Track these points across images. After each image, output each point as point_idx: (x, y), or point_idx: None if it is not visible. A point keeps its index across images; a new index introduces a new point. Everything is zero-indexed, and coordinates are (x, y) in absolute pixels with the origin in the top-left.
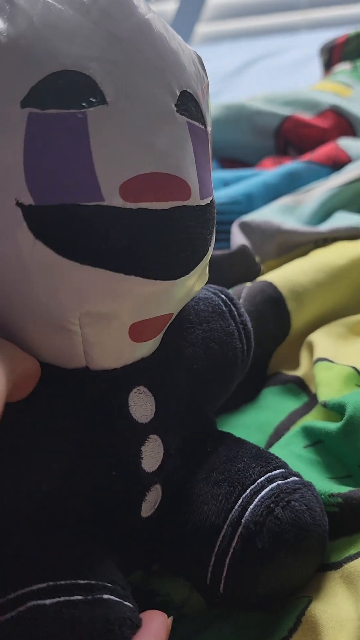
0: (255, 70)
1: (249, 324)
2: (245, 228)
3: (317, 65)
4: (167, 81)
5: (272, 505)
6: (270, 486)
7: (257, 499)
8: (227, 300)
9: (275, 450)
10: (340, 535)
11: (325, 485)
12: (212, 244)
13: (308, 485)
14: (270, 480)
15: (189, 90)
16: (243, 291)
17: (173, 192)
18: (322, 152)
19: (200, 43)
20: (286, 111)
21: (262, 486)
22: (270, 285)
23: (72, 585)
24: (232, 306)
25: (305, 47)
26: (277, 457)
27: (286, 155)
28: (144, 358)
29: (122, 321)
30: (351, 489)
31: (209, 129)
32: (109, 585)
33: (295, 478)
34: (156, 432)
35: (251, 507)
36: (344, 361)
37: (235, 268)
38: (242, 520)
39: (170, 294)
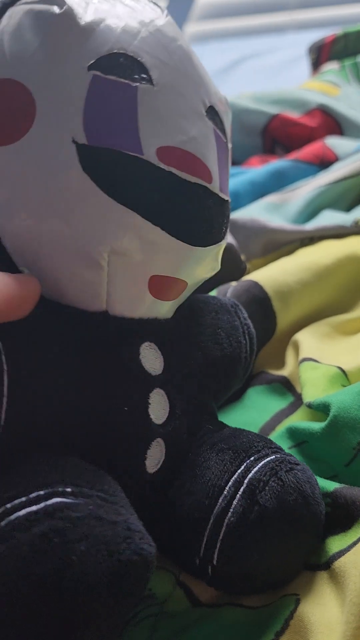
0: (243, 70)
1: (252, 328)
2: (231, 226)
3: (305, 65)
4: (200, 92)
5: (276, 468)
6: (275, 455)
7: (262, 463)
8: (233, 304)
9: None
10: (329, 534)
11: None
12: (227, 238)
13: (307, 467)
14: (275, 452)
15: (215, 107)
16: (228, 291)
17: (198, 170)
18: (309, 150)
19: (189, 42)
20: (274, 110)
21: (267, 454)
22: (255, 284)
23: (94, 494)
24: (237, 309)
25: (294, 47)
26: (276, 443)
27: (273, 154)
28: (159, 320)
29: (145, 269)
30: (337, 486)
31: (230, 145)
32: (126, 504)
33: (294, 458)
34: (163, 387)
35: (255, 468)
36: (330, 361)
37: (220, 267)
38: (245, 480)
39: (187, 260)
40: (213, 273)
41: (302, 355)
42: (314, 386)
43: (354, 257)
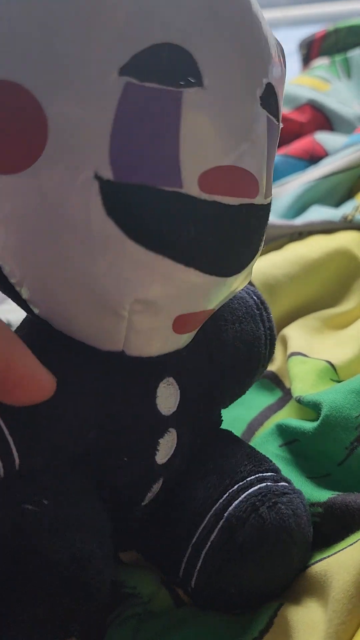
0: None
1: (275, 331)
2: None
3: (296, 61)
4: (258, 70)
5: (257, 503)
6: (259, 485)
7: (243, 495)
8: (260, 303)
9: None
10: (318, 545)
11: (305, 490)
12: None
13: (298, 493)
14: (260, 480)
15: (272, 83)
16: None
17: (245, 189)
18: (298, 145)
19: None
20: None
21: (251, 484)
22: (255, 289)
23: (69, 514)
24: (263, 310)
25: (285, 43)
26: (270, 461)
27: None
28: (178, 350)
29: (171, 312)
30: (330, 495)
31: (281, 125)
32: (99, 536)
33: (286, 484)
34: (175, 426)
35: (236, 502)
36: (319, 355)
37: None
38: (225, 514)
39: (219, 290)
40: (246, 284)
41: (291, 349)
42: (303, 381)
43: (342, 251)
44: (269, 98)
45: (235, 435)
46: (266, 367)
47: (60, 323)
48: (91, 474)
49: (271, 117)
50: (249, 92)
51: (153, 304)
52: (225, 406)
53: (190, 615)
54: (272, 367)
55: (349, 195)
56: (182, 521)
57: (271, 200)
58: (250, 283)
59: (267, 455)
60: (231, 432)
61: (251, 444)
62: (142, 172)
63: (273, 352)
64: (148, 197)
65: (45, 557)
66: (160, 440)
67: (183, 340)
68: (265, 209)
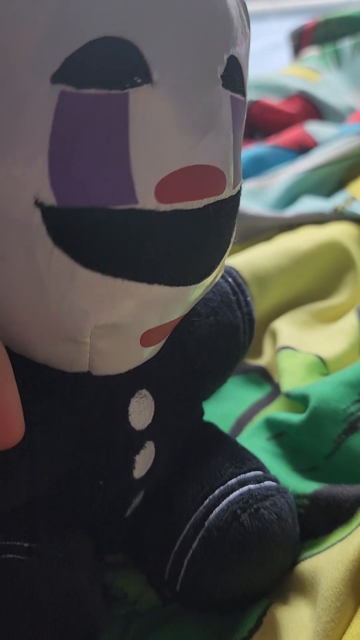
0: None
1: (254, 313)
2: None
3: (285, 52)
4: (218, 46)
5: (238, 511)
6: (241, 490)
7: (224, 502)
8: (235, 287)
9: None
10: (304, 538)
11: (291, 482)
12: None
13: (282, 492)
14: (242, 484)
15: (235, 55)
16: None
17: (210, 187)
18: (288, 136)
19: None
20: (252, 95)
21: (232, 489)
22: (231, 270)
23: (52, 555)
24: (239, 294)
25: (275, 34)
26: (254, 458)
27: (252, 139)
28: (148, 361)
29: (137, 330)
30: (317, 487)
31: (247, 98)
32: (87, 571)
33: (271, 483)
34: (152, 438)
35: (217, 510)
36: (308, 349)
37: None
38: (205, 523)
39: (190, 296)
40: (220, 276)
41: (280, 343)
42: (292, 375)
43: (333, 243)
44: (233, 73)
45: (218, 430)
46: (247, 352)
47: (18, 349)
48: (66, 503)
49: (236, 95)
50: (209, 75)
51: (116, 326)
52: (206, 399)
53: (177, 613)
54: (261, 362)
55: (339, 187)
56: (163, 529)
57: (241, 187)
58: (238, 274)
59: (253, 449)
60: (214, 425)
61: (238, 438)
62: (89, 193)
63: (253, 336)
64: (99, 221)
65: (39, 601)
66: (136, 457)
67: (151, 351)
68: (235, 199)
